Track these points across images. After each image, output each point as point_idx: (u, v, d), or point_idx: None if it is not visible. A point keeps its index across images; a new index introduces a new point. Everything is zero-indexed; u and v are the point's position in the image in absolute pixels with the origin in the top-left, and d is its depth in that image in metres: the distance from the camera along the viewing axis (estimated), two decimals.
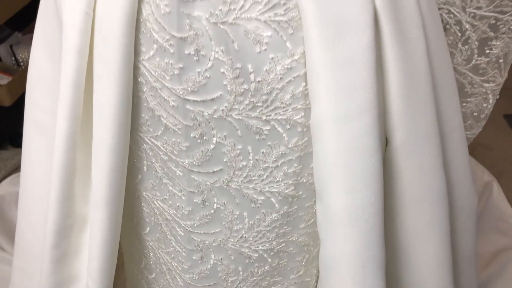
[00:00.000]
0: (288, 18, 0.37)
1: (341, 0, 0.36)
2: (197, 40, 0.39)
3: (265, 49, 0.39)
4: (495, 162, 1.78)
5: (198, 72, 0.41)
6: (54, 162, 0.49)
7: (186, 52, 0.40)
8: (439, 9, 0.48)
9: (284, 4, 0.37)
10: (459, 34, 0.49)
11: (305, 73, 0.40)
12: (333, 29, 0.37)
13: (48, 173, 0.52)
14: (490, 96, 0.53)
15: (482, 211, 1.41)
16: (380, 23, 0.39)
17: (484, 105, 0.55)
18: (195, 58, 0.40)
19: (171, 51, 0.41)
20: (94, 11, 0.42)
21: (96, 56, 0.43)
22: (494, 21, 0.46)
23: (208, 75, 0.41)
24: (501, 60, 0.50)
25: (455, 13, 0.47)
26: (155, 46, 0.41)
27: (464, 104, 0.55)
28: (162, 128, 0.46)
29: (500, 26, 0.46)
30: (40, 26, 0.52)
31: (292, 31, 0.38)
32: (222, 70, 0.40)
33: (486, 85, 0.52)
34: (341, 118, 0.39)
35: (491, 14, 0.45)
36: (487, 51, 0.49)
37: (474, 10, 0.46)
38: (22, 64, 1.65)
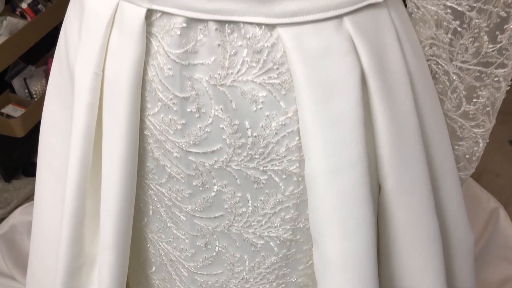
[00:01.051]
0: (281, 81, 0.40)
1: (329, 65, 0.39)
2: (198, 99, 0.43)
3: (261, 108, 0.42)
4: (501, 189, 1.77)
5: (200, 127, 0.44)
6: (65, 207, 0.52)
7: (188, 110, 0.43)
8: (428, 60, 0.51)
9: (277, 68, 0.40)
10: (448, 84, 0.51)
11: (298, 129, 0.42)
12: (322, 91, 0.40)
13: (59, 216, 0.55)
14: (480, 140, 0.56)
15: (489, 239, 1.41)
16: (368, 82, 0.42)
17: (475, 148, 0.57)
18: (196, 115, 0.43)
19: (174, 108, 0.44)
20: (103, 71, 0.45)
21: (105, 111, 0.47)
22: (478, 74, 0.49)
23: (209, 130, 0.44)
24: (488, 108, 0.52)
25: (443, 64, 0.50)
26: (159, 103, 0.44)
27: (456, 147, 0.58)
28: (167, 176, 0.49)
29: (485, 78, 0.49)
30: (54, 77, 0.56)
31: (285, 92, 0.41)
32: (221, 126, 0.43)
33: (476, 130, 0.55)
34: (332, 171, 0.42)
35: (476, 68, 0.48)
36: (475, 100, 0.51)
37: (460, 64, 0.49)
38: (35, 96, 1.71)
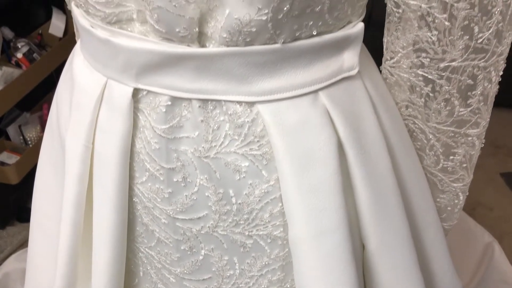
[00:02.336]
0: (262, 152, 0.43)
1: (307, 137, 0.42)
2: (184, 169, 0.44)
3: (244, 177, 0.44)
4: (495, 222, 1.78)
5: (186, 195, 0.46)
6: (57, 271, 0.53)
7: (175, 179, 0.45)
8: (405, 119, 0.54)
9: (258, 141, 0.42)
10: (425, 141, 0.54)
11: (281, 195, 0.44)
12: (301, 161, 0.42)
13: (52, 276, 0.55)
14: (460, 194, 0.57)
15: (484, 274, 1.41)
16: (345, 150, 0.44)
17: (456, 201, 0.59)
18: (182, 184, 0.45)
19: (161, 178, 0.46)
20: (93, 143, 0.47)
21: (95, 180, 0.48)
22: (452, 134, 0.51)
23: (195, 198, 0.46)
24: (465, 164, 0.54)
25: (419, 124, 0.53)
26: (147, 173, 0.46)
27: (438, 199, 0.59)
28: (155, 241, 0.51)
29: (459, 138, 0.51)
30: (46, 144, 0.58)
31: (266, 162, 0.43)
32: (207, 194, 0.45)
33: (455, 184, 0.57)
34: (314, 237, 0.43)
35: (449, 129, 0.51)
36: (451, 157, 0.54)
37: (435, 125, 0.51)
38: (30, 142, 1.72)
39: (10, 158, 1.66)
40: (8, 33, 1.66)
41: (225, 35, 0.37)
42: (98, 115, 0.45)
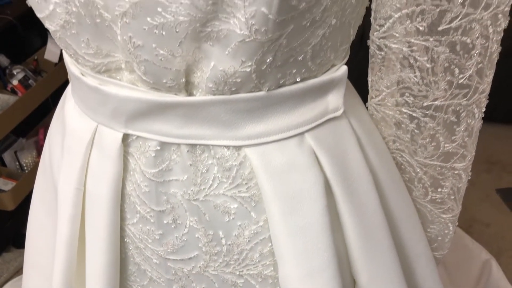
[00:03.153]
0: (250, 194, 0.43)
1: (294, 178, 0.42)
2: (174, 211, 0.45)
3: (233, 218, 0.44)
4: (492, 239, 1.78)
5: (176, 236, 0.46)
6: None
7: (165, 221, 0.46)
8: (392, 153, 0.54)
9: (246, 183, 0.43)
10: (413, 174, 0.55)
11: (270, 235, 0.45)
12: (289, 203, 0.42)
13: None
14: (450, 224, 0.58)
15: None
16: (332, 189, 0.44)
17: (446, 231, 0.59)
18: (172, 226, 0.46)
19: (152, 220, 0.46)
20: (84, 185, 0.48)
21: (87, 221, 0.49)
22: (439, 168, 0.52)
23: (185, 239, 0.46)
24: (453, 196, 0.55)
25: (407, 157, 0.53)
26: (138, 215, 0.47)
27: (428, 230, 0.60)
28: (148, 280, 0.51)
29: (445, 172, 0.52)
30: (39, 183, 0.59)
31: (255, 204, 0.44)
32: (197, 235, 0.46)
33: (444, 216, 0.57)
34: (304, 276, 0.44)
35: (436, 163, 0.51)
36: (439, 189, 0.54)
37: (421, 159, 0.52)
38: (26, 168, 1.72)
39: (6, 185, 1.66)
40: (4, 60, 1.68)
41: (211, 85, 0.38)
42: (89, 158, 0.46)
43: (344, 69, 0.44)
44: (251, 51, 0.35)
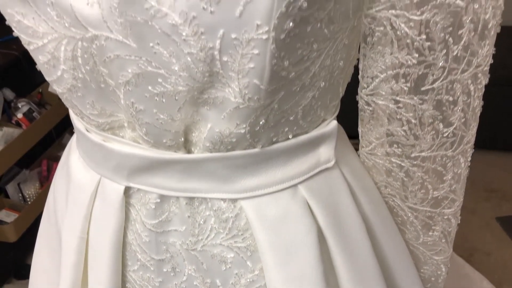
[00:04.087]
0: (246, 244, 0.45)
1: (288, 229, 0.44)
2: (173, 260, 0.47)
3: (230, 267, 0.46)
4: (493, 268, 1.78)
5: (175, 284, 0.48)
6: None
7: (164, 269, 0.48)
8: (385, 197, 0.56)
9: (242, 234, 0.45)
10: (405, 218, 0.56)
11: (265, 284, 0.46)
12: (283, 252, 0.44)
13: None
14: (442, 266, 0.59)
15: None
16: (326, 238, 0.46)
17: (439, 272, 0.61)
18: (172, 274, 0.48)
19: (152, 268, 0.48)
20: (88, 234, 0.50)
21: (90, 267, 0.51)
22: (429, 213, 0.54)
23: (184, 286, 0.48)
24: (443, 240, 0.57)
25: (398, 202, 0.55)
26: (138, 263, 0.49)
27: (422, 270, 0.61)
28: None
29: (435, 217, 0.54)
30: (44, 228, 0.61)
31: (250, 254, 0.45)
32: (195, 283, 0.47)
33: (436, 258, 0.59)
34: None
35: (426, 209, 0.53)
36: (430, 233, 0.56)
37: (412, 205, 0.54)
38: (28, 200, 1.74)
39: (8, 216, 1.67)
40: (9, 94, 1.72)
41: (208, 144, 0.41)
42: (93, 209, 0.48)
43: (334, 123, 0.46)
44: (245, 115, 0.37)
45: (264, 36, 0.32)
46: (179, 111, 0.38)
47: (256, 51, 0.33)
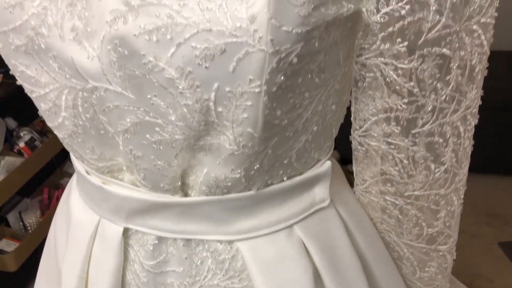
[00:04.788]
0: (243, 285, 0.46)
1: (284, 269, 0.45)
2: None
3: None
4: None
5: None
6: None
7: None
8: (381, 233, 0.57)
9: (238, 275, 0.45)
10: (401, 254, 0.57)
11: None
12: None
13: None
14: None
15: None
16: (322, 277, 0.47)
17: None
18: None
19: None
20: (87, 273, 0.50)
21: None
22: (425, 250, 0.54)
23: None
24: (439, 276, 0.57)
25: (394, 238, 0.56)
26: None
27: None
28: None
29: (431, 253, 0.55)
30: (45, 263, 0.61)
31: None
32: None
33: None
34: None
35: (421, 245, 0.54)
36: (426, 269, 0.57)
37: (407, 241, 0.54)
38: (29, 228, 1.74)
39: (9, 246, 1.67)
40: (11, 123, 1.74)
41: (204, 188, 0.42)
42: (92, 248, 0.49)
43: (328, 164, 0.47)
44: (240, 161, 0.39)
45: (257, 90, 0.33)
46: (176, 157, 0.39)
47: (249, 103, 0.34)
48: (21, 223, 1.74)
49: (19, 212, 1.73)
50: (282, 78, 0.33)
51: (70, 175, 1.72)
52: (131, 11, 0.33)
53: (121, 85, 0.35)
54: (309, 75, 0.36)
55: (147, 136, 0.38)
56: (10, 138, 1.74)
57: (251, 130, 0.36)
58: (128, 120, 0.37)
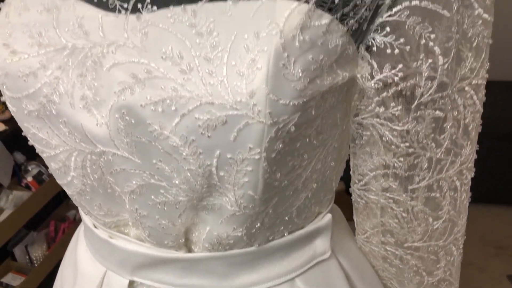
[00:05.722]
0: None
1: None
2: None
3: None
4: None
5: None
6: None
7: None
8: (383, 280, 0.58)
9: None
10: None
11: None
12: None
13: None
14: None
15: None
16: None
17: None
18: None
19: None
20: None
21: None
22: None
23: None
24: None
25: (396, 285, 0.57)
26: None
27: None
28: None
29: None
30: None
31: None
32: None
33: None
34: None
35: None
36: None
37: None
38: (35, 262, 1.75)
39: (14, 280, 1.67)
40: (20, 157, 1.76)
41: (207, 245, 0.43)
42: None
43: (328, 217, 0.48)
44: (242, 221, 0.40)
45: (257, 157, 0.35)
46: (180, 217, 0.40)
47: (249, 168, 0.36)
48: (27, 257, 1.75)
49: (25, 246, 1.73)
50: (280, 145, 0.35)
51: (76, 208, 1.73)
52: (138, 83, 0.35)
53: (128, 150, 0.37)
54: (307, 139, 0.38)
55: (152, 197, 0.39)
56: (18, 172, 1.76)
57: (252, 193, 0.37)
58: (134, 182, 0.39)
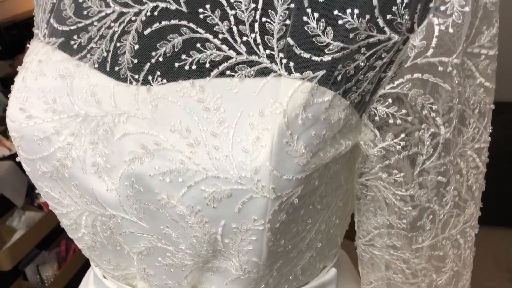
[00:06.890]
0: None
1: None
2: None
3: None
4: None
5: None
6: None
7: None
8: None
9: None
10: None
11: None
12: None
13: None
14: None
15: None
16: None
17: None
18: None
19: None
20: None
21: None
22: None
23: None
24: None
25: None
26: None
27: None
28: None
29: None
30: None
31: None
32: None
33: None
34: None
35: None
36: None
37: None
38: (46, 282, 1.76)
39: None
40: None
41: None
42: None
43: (333, 272, 0.49)
44: (246, 283, 0.41)
45: (261, 227, 0.36)
46: (186, 278, 0.41)
47: (254, 237, 0.37)
48: (38, 277, 1.77)
49: (36, 266, 1.75)
50: (284, 216, 0.36)
51: None
52: (148, 154, 0.36)
53: (137, 215, 0.38)
54: (311, 206, 0.39)
55: (159, 259, 0.40)
56: (31, 192, 1.79)
57: (256, 259, 0.38)
58: (142, 244, 0.40)
